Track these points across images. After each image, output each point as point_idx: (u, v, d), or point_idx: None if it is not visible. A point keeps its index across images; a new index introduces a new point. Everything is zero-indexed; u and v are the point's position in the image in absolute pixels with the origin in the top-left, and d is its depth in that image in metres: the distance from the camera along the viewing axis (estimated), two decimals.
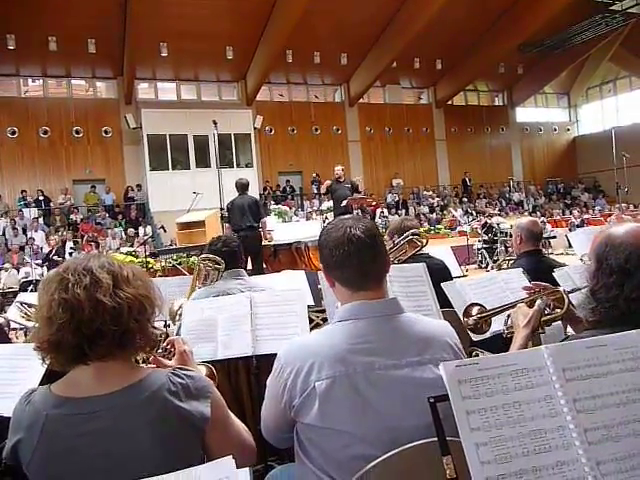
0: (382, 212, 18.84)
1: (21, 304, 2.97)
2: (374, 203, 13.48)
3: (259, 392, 2.69)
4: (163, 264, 7.09)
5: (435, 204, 20.87)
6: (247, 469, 0.96)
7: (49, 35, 15.38)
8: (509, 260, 5.59)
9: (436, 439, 1.16)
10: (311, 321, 2.98)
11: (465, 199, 21.65)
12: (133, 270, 1.39)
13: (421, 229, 4.40)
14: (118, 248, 14.10)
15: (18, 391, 2.16)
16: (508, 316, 2.01)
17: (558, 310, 1.93)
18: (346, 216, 1.72)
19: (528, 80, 23.49)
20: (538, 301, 1.92)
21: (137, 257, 8.50)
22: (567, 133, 26.30)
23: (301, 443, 1.48)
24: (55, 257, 13.84)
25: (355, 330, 1.48)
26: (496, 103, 25.09)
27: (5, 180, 16.79)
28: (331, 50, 18.51)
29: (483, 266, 11.32)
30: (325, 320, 4.86)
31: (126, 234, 16.05)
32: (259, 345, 2.45)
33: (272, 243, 8.11)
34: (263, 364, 2.61)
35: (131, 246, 14.16)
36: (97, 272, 1.31)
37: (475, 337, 2.58)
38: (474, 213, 19.25)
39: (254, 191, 15.78)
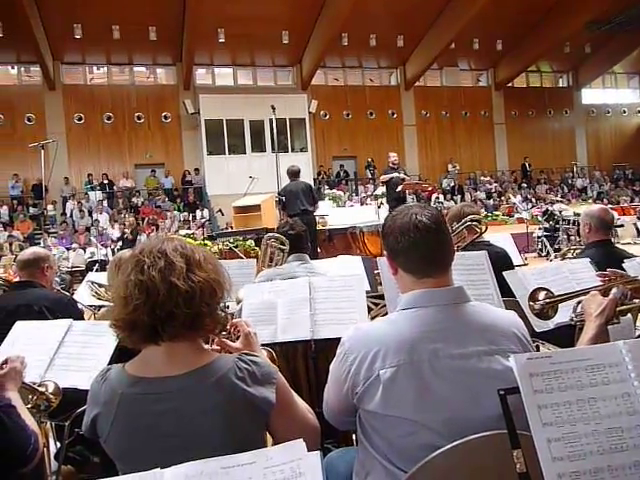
0: (437, 197, 18.51)
1: (92, 283, 3.12)
2: (429, 188, 13.25)
3: (316, 376, 2.72)
4: (220, 247, 7.24)
5: (492, 190, 20.32)
6: (318, 452, 0.97)
7: (113, 24, 15.87)
8: (575, 249, 5.37)
9: (504, 431, 1.14)
10: (369, 308, 2.98)
11: (524, 185, 20.94)
12: (204, 254, 1.42)
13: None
14: (176, 230, 14.52)
15: (92, 365, 2.29)
16: (578, 303, 1.92)
17: (637, 300, 1.84)
18: (411, 203, 1.70)
19: (596, 60, 22.29)
20: (614, 289, 1.82)
21: (195, 239, 8.72)
22: (637, 116, 24.88)
23: (363, 429, 1.49)
24: (129, 237, 14.48)
25: (420, 318, 1.47)
26: (560, 84, 24.00)
27: (73, 164, 17.55)
28: (387, 32, 18.19)
29: (543, 255, 10.95)
30: (377, 305, 4.85)
31: (184, 217, 16.51)
32: (318, 329, 2.47)
33: (327, 227, 8.13)
34: (321, 348, 2.65)
35: (189, 229, 14.55)
36: (171, 255, 1.35)
37: (537, 328, 2.51)
38: (534, 200, 18.62)
39: (308, 176, 15.88)
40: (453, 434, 1.33)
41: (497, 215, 16.48)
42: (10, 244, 14.34)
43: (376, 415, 1.42)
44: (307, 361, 2.72)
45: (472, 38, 19.26)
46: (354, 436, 2.73)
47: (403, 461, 1.39)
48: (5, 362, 1.89)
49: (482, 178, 21.11)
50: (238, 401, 1.31)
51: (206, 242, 7.54)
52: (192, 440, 1.29)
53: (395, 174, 9.31)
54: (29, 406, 2.01)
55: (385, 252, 1.64)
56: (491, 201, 19.35)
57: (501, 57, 21.14)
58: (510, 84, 22.41)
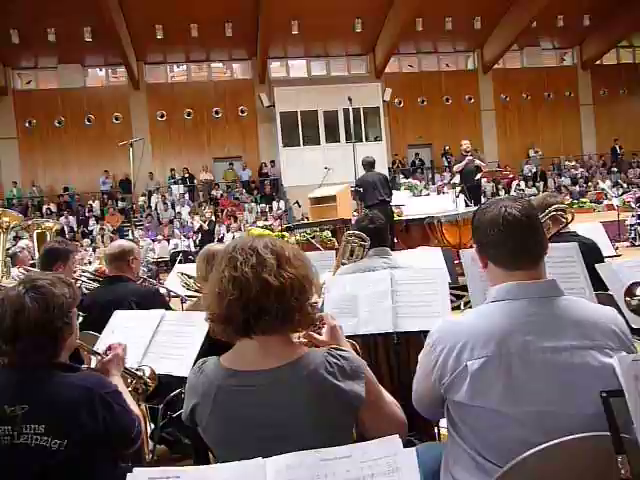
0: (518, 185, 17.82)
1: (182, 274, 3.29)
2: (510, 175, 12.76)
3: (398, 367, 2.73)
4: (297, 238, 7.36)
5: (578, 175, 19.23)
6: (414, 449, 0.98)
7: (191, 23, 16.43)
8: None
9: (603, 433, 1.10)
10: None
11: (614, 169, 19.66)
12: (294, 251, 1.46)
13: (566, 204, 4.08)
14: (254, 222, 14.90)
15: (183, 354, 2.42)
16: None
17: None
18: (503, 196, 1.66)
19: None
20: None
21: (272, 231, 8.92)
22: None
23: (452, 420, 1.50)
24: (206, 229, 15.08)
25: (510, 310, 1.45)
26: None
27: (156, 159, 18.41)
28: (463, 14, 17.63)
29: (637, 244, 10.27)
30: (457, 297, 4.76)
31: (261, 209, 16.91)
32: (400, 322, 2.47)
33: (403, 218, 8.05)
34: (403, 340, 2.65)
35: (266, 220, 14.89)
36: (262, 252, 1.39)
37: (634, 324, 2.37)
38: (625, 185, 17.47)
39: (383, 165, 15.74)
40: (544, 429, 1.31)
41: (584, 202, 15.59)
42: (102, 236, 15.32)
43: (463, 406, 1.43)
44: (389, 353, 2.74)
45: (556, 15, 18.25)
46: (436, 429, 2.73)
47: (492, 453, 1.38)
48: (108, 349, 2.04)
49: (567, 163, 20.04)
50: (328, 395, 1.34)
51: (283, 233, 7.68)
52: (284, 432, 1.33)
53: (468, 157, 9.01)
54: (129, 389, 2.16)
55: (474, 245, 1.62)
56: (577, 187, 18.35)
57: (588, 33, 19.89)
58: (598, 62, 21.06)
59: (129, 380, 2.21)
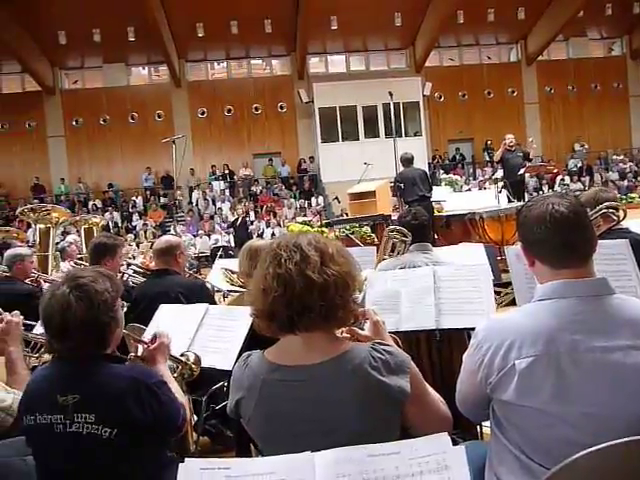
0: (562, 179, 17.31)
1: (226, 270, 3.35)
2: (554, 170, 12.42)
3: (440, 365, 2.70)
4: (337, 234, 7.35)
5: (627, 169, 18.55)
6: (463, 447, 0.97)
7: (231, 20, 16.60)
8: None
9: None
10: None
11: None
12: (337, 247, 1.46)
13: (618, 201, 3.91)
14: (293, 217, 14.99)
15: (227, 347, 2.46)
16: None
17: None
18: (546, 191, 1.62)
19: None
20: None
21: (312, 227, 8.95)
22: None
23: (497, 420, 1.48)
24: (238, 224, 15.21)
25: (558, 309, 1.42)
26: None
27: (197, 156, 18.72)
28: (506, 5, 17.23)
29: None
30: (499, 294, 4.66)
31: (300, 204, 16.99)
32: (443, 319, 2.44)
33: (444, 213, 7.95)
34: (446, 338, 2.62)
35: (304, 216, 14.94)
36: (306, 249, 1.40)
37: None
38: None
39: (422, 160, 15.57)
40: (593, 430, 1.29)
41: (633, 197, 14.99)
42: (145, 231, 15.71)
43: (510, 405, 1.41)
44: (430, 350, 2.71)
45: (604, 3, 17.64)
46: (478, 428, 2.69)
47: (538, 454, 1.36)
48: (154, 337, 2.09)
49: (615, 157, 19.35)
50: (373, 390, 1.34)
51: (323, 229, 7.69)
52: (328, 426, 1.34)
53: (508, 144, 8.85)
54: (175, 375, 2.22)
55: (520, 243, 1.59)
56: (625, 182, 17.70)
57: (638, 22, 19.11)
58: None
59: (175, 366, 2.27)
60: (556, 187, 16.49)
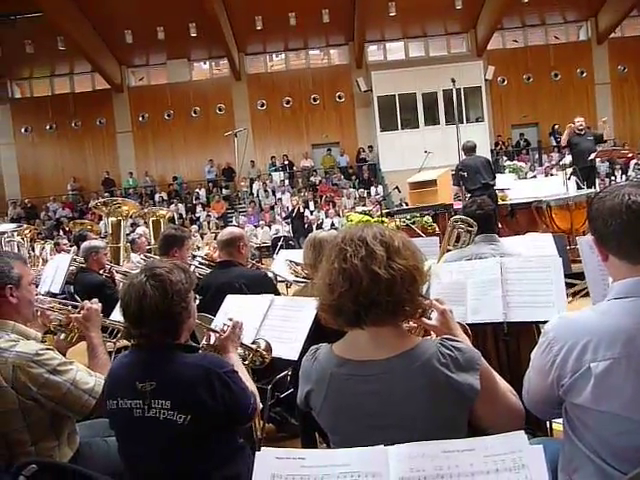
0: (637, 164, 16.33)
1: (290, 262, 3.40)
2: (628, 155, 11.74)
3: (508, 358, 2.64)
4: (397, 223, 7.28)
5: None
6: (541, 446, 0.95)
7: (289, 11, 16.66)
8: None
9: None
10: None
11: None
12: (403, 240, 1.44)
13: None
14: (353, 207, 14.95)
15: (292, 337, 2.49)
16: None
17: None
18: (623, 182, 1.53)
19: None
20: None
21: (372, 216, 8.90)
22: None
23: (571, 422, 1.42)
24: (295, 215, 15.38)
25: (636, 309, 1.34)
26: None
27: (257, 148, 19.00)
28: None
29: None
30: (570, 286, 4.47)
31: (359, 194, 16.93)
32: (511, 312, 2.38)
33: (508, 202, 7.70)
34: (514, 331, 2.55)
35: (364, 205, 14.88)
36: (371, 243, 1.38)
37: None
38: None
39: (485, 147, 15.13)
40: None
41: None
42: (208, 222, 16.14)
43: (586, 410, 1.35)
44: (497, 343, 2.65)
45: None
46: (547, 423, 2.61)
47: (618, 460, 1.30)
48: (226, 326, 2.16)
49: None
50: (441, 386, 1.32)
51: (383, 219, 7.63)
52: (395, 421, 1.33)
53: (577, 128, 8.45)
54: (246, 363, 2.28)
55: (592, 237, 1.51)
56: None
57: None
58: None
59: (245, 354, 2.33)
60: (630, 172, 15.60)
